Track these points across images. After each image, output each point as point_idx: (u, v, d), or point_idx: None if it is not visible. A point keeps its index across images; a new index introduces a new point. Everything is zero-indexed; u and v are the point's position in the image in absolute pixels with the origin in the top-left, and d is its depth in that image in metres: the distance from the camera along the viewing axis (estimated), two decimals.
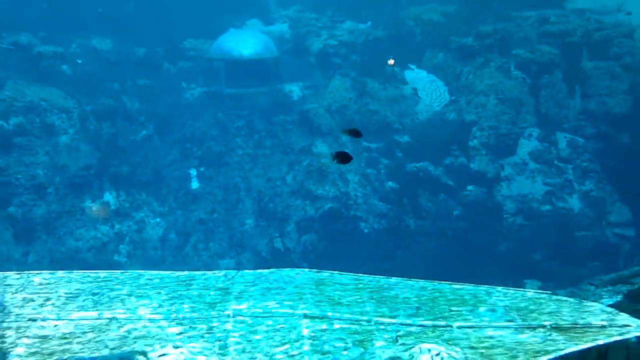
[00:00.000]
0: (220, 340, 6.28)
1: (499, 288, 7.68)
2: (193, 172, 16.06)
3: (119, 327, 6.53)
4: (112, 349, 6.04)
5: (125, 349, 6.05)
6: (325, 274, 8.18)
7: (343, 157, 8.35)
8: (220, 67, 17.26)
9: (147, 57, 17.49)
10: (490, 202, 15.12)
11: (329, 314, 6.87)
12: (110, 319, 6.68)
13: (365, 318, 6.81)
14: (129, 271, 8.23)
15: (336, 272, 8.24)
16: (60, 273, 7.94)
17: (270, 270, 8.40)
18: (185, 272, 8.25)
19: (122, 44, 17.42)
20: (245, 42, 17.45)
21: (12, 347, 6.03)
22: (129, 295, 7.31)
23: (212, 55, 17.49)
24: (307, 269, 8.43)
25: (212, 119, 16.53)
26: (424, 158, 15.65)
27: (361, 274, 8.20)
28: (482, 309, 7.06)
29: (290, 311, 6.93)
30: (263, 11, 19.85)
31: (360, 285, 7.80)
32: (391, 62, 17.25)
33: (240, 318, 6.80)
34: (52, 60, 16.53)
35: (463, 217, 15.04)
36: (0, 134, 14.50)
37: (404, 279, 8.01)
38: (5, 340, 6.16)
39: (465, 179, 15.37)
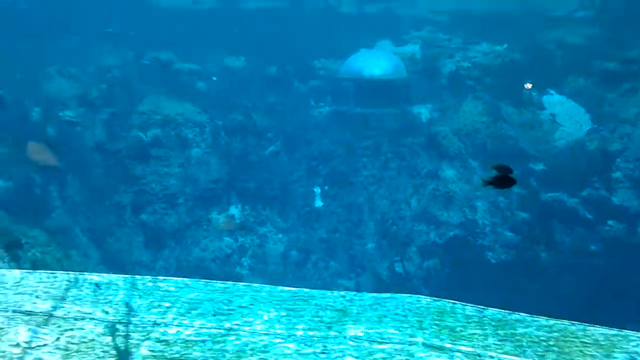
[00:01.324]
0: None
1: (639, 334, 7.11)
2: (317, 190, 16.31)
3: (236, 338, 6.68)
4: (229, 359, 6.18)
5: None
6: (447, 302, 7.95)
7: (505, 181, 7.33)
8: (349, 86, 17.47)
9: (277, 76, 18.06)
10: (634, 239, 14.12)
11: (449, 345, 6.67)
12: (229, 330, 6.85)
13: (488, 353, 6.54)
14: (249, 284, 8.43)
15: (459, 301, 7.99)
16: (184, 280, 8.27)
17: (391, 294, 8.29)
18: (305, 289, 8.32)
19: (254, 62, 18.09)
20: (375, 62, 17.57)
21: (136, 348, 6.33)
22: (248, 307, 7.48)
23: (342, 75, 17.74)
24: (428, 297, 8.25)
25: (339, 138, 16.73)
26: (560, 188, 14.91)
27: (485, 306, 7.90)
28: (618, 355, 6.56)
29: (409, 338, 6.79)
30: (394, 32, 19.91)
31: (484, 318, 7.51)
32: (528, 86, 16.69)
33: (357, 341, 6.74)
34: (188, 77, 17.49)
35: (601, 254, 14.14)
36: (139, 145, 15.47)
37: (532, 315, 7.62)
38: (130, 341, 6.48)
39: (606, 213, 14.47)
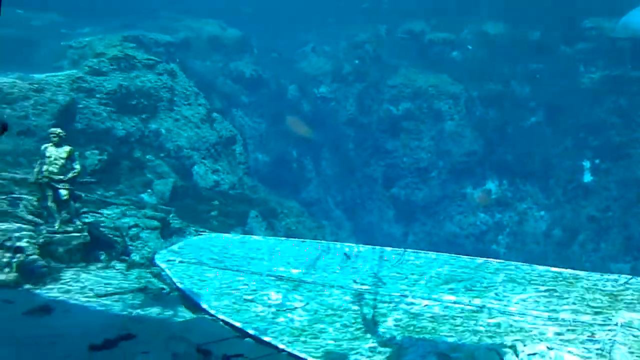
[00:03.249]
0: (602, 350, 5.71)
1: None
2: (586, 163, 15.16)
3: (489, 316, 6.44)
4: (480, 337, 5.97)
5: (494, 340, 5.92)
6: None
7: None
8: (626, 47, 15.92)
9: (541, 40, 17.09)
10: None
11: None
12: (481, 307, 6.63)
13: None
14: (505, 261, 8.10)
15: None
16: (434, 254, 8.21)
17: None
18: (569, 271, 7.77)
19: (515, 27, 17.33)
20: None
21: (383, 319, 6.41)
22: (503, 285, 7.17)
23: (617, 34, 16.20)
24: None
25: (612, 106, 15.33)
26: None
27: None
28: None
29: None
30: None
31: None
32: None
33: (630, 330, 6.09)
34: (442, 47, 17.33)
35: None
36: (390, 119, 15.78)
37: None
38: (377, 311, 6.59)
39: None
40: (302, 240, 9.22)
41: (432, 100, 15.82)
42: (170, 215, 10.08)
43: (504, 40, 17.27)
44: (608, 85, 15.73)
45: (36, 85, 11.73)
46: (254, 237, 9.72)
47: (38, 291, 6.92)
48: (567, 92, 16.02)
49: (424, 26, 17.86)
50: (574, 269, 7.99)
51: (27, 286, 6.98)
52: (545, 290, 7.07)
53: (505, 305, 6.67)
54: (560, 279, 7.48)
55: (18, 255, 7.24)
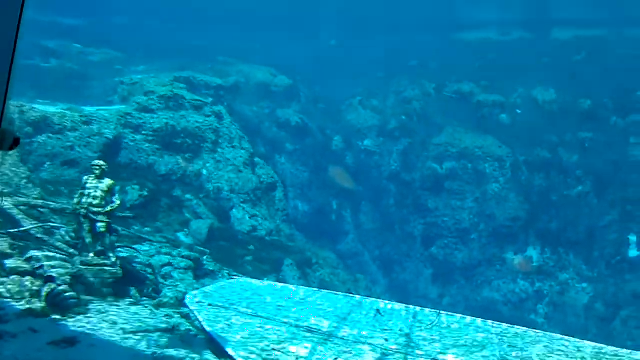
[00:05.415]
0: None
1: None
2: (633, 238, 14.69)
3: None
4: None
5: None
6: None
7: None
8: None
9: (592, 109, 16.88)
10: None
11: None
12: None
13: None
14: (543, 332, 7.80)
15: None
16: (470, 319, 7.95)
17: None
18: (610, 348, 7.42)
19: (566, 94, 17.17)
20: None
21: None
22: (540, 357, 6.87)
23: None
24: None
25: None
26: None
27: None
28: None
29: None
30: None
31: None
32: None
33: None
34: (490, 109, 17.22)
35: None
36: (433, 177, 15.61)
37: None
38: None
39: None
40: (335, 292, 9.05)
41: (477, 161, 15.64)
42: (205, 257, 10.01)
43: (554, 107, 17.11)
44: None
45: (85, 118, 11.95)
46: (287, 285, 9.57)
47: (65, 322, 6.86)
48: (616, 163, 15.70)
49: (473, 87, 17.83)
50: (615, 346, 7.64)
51: (55, 316, 6.92)
52: None
53: None
54: (600, 355, 7.15)
55: (48, 284, 7.22)
